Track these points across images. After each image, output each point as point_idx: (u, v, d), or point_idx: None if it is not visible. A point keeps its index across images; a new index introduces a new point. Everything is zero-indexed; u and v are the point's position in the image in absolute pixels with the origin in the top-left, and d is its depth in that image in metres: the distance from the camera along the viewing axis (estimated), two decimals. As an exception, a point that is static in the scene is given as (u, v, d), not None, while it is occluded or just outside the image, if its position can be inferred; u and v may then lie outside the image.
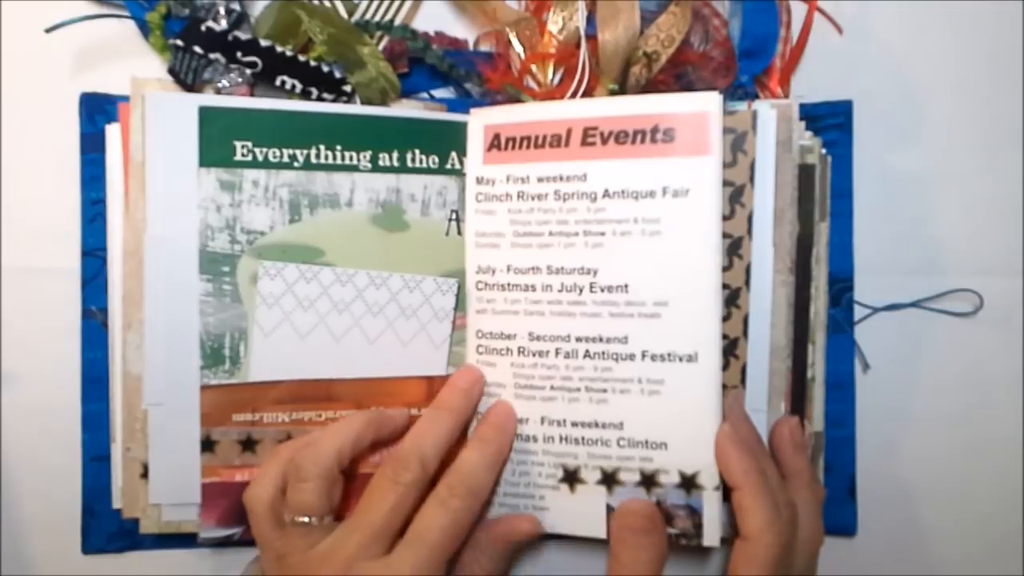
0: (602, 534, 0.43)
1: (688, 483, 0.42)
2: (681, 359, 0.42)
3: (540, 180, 0.44)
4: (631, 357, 0.42)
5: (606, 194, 0.43)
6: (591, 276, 0.43)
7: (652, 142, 0.42)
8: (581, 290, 0.43)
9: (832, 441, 0.47)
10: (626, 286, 0.42)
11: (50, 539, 0.46)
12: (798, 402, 0.45)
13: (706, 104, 0.41)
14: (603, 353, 0.43)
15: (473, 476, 0.41)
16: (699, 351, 0.42)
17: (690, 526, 0.42)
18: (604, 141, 0.43)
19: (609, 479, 0.43)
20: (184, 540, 0.45)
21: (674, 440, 0.42)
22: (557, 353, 0.43)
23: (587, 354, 0.43)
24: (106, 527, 0.46)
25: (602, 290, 0.43)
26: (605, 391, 0.43)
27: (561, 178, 0.43)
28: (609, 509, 0.43)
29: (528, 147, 0.44)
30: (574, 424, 0.44)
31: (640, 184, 0.42)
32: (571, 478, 0.44)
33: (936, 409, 0.49)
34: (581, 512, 0.44)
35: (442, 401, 0.44)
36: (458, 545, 0.40)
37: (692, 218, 0.42)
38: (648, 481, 0.43)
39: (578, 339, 0.43)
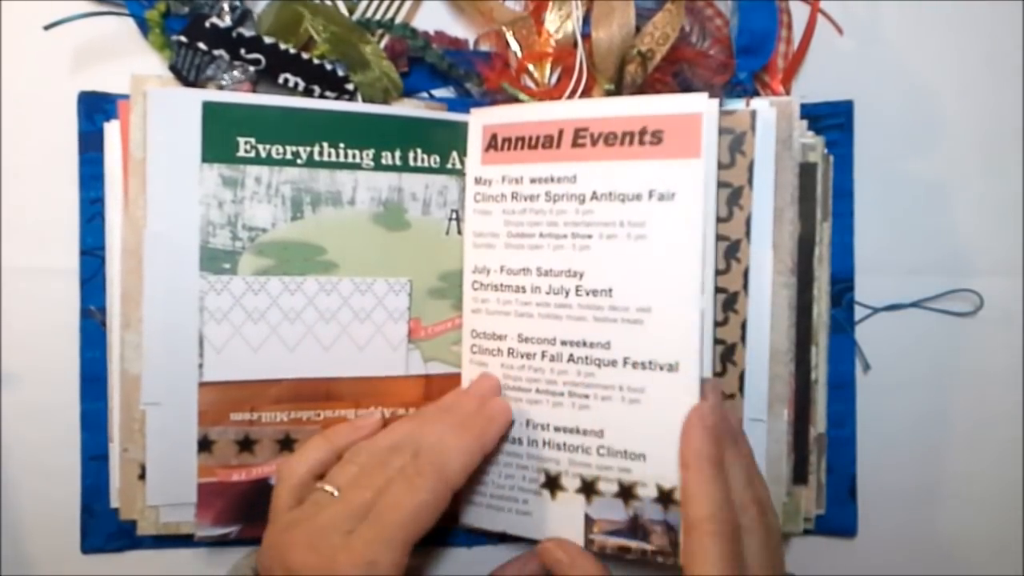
0: (578, 542, 0.43)
1: (665, 498, 0.41)
2: (662, 368, 0.41)
3: (533, 181, 0.43)
4: (613, 363, 0.42)
5: (594, 196, 0.42)
6: (577, 279, 0.42)
7: (640, 144, 0.41)
8: (567, 293, 0.43)
9: (833, 441, 0.47)
10: (610, 290, 0.42)
11: (49, 539, 0.46)
12: (803, 405, 0.45)
13: (697, 106, 0.41)
14: (586, 358, 0.42)
15: (443, 459, 0.39)
16: (680, 360, 0.41)
17: (667, 543, 0.41)
18: (594, 143, 0.42)
19: (588, 488, 0.43)
20: (183, 539, 0.45)
21: (653, 452, 0.41)
22: (543, 356, 0.43)
23: (571, 358, 0.43)
24: (105, 527, 0.45)
25: (587, 293, 0.42)
26: (587, 397, 0.42)
27: (552, 179, 0.43)
28: (587, 520, 0.43)
29: (522, 148, 0.44)
30: (557, 429, 0.43)
31: (627, 186, 0.42)
32: (552, 484, 0.43)
33: (936, 409, 0.49)
34: (560, 520, 0.43)
35: (451, 402, 0.44)
36: (422, 528, 0.37)
37: (677, 222, 0.41)
38: (626, 493, 0.42)
39: (563, 342, 0.43)
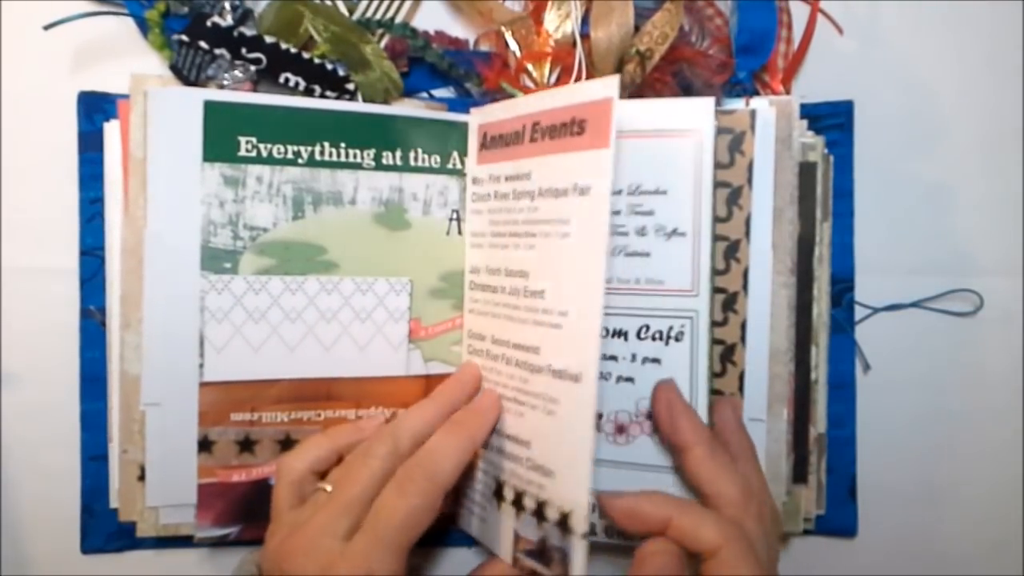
0: (507, 558, 0.41)
1: (563, 523, 0.37)
2: (570, 378, 0.37)
3: (506, 179, 0.43)
4: (539, 370, 0.39)
5: (540, 192, 0.40)
6: (525, 279, 0.40)
7: (571, 135, 0.38)
8: (518, 294, 0.41)
9: (833, 441, 0.48)
10: (543, 292, 0.39)
11: (49, 539, 0.46)
12: (803, 405, 0.45)
13: (607, 91, 0.36)
14: (525, 363, 0.40)
15: (433, 460, 0.38)
16: (583, 372, 0.37)
17: (562, 574, 0.37)
18: (543, 137, 0.40)
19: (517, 502, 0.40)
20: (183, 539, 0.45)
21: (560, 470, 0.38)
22: (502, 358, 0.42)
23: (516, 362, 0.41)
24: (105, 527, 0.45)
25: (530, 295, 0.40)
26: (523, 404, 0.40)
27: (517, 176, 0.42)
28: (516, 536, 0.40)
29: (501, 145, 0.43)
30: (506, 436, 0.41)
31: (559, 181, 0.39)
32: (499, 493, 0.42)
33: (936, 409, 0.49)
34: (500, 531, 0.41)
35: (435, 391, 0.43)
36: (416, 532, 0.37)
37: (588, 219, 0.37)
38: (539, 512, 0.39)
39: (513, 345, 0.41)
